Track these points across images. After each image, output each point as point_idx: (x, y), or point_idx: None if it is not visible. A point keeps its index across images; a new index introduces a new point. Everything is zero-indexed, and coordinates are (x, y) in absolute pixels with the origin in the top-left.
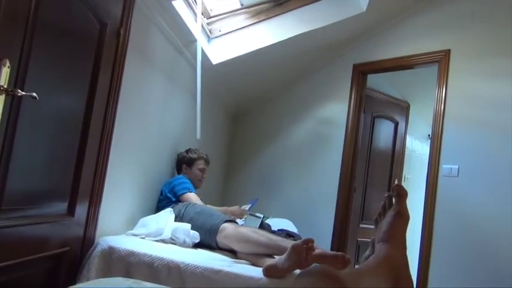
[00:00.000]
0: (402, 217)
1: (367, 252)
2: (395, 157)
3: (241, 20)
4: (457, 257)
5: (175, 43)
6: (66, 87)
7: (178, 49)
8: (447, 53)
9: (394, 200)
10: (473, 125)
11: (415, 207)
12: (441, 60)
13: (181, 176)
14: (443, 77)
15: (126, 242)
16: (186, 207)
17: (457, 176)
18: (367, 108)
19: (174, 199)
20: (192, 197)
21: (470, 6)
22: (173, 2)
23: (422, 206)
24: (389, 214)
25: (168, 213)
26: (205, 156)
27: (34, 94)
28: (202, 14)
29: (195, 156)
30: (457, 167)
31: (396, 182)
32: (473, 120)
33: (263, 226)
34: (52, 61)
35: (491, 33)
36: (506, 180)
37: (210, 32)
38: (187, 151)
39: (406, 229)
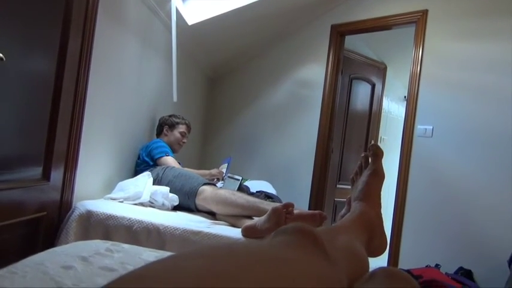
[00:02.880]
0: (378, 176)
1: (343, 211)
2: (372, 118)
3: None
4: (430, 214)
5: (149, 3)
6: (35, 49)
7: (152, 9)
8: (424, 13)
9: (370, 159)
10: (448, 87)
11: (390, 168)
12: (418, 20)
13: (158, 139)
14: (420, 37)
15: (104, 206)
16: (164, 170)
17: (431, 136)
18: (345, 69)
19: (151, 163)
20: (170, 160)
21: None
22: None
23: (397, 167)
24: (365, 173)
25: (146, 177)
26: (188, 123)
27: (0, 55)
28: None
29: (178, 120)
30: (431, 127)
31: (372, 142)
32: (448, 82)
33: (241, 188)
34: (18, 23)
35: None
36: (478, 140)
37: None
38: (170, 115)
39: (381, 188)
